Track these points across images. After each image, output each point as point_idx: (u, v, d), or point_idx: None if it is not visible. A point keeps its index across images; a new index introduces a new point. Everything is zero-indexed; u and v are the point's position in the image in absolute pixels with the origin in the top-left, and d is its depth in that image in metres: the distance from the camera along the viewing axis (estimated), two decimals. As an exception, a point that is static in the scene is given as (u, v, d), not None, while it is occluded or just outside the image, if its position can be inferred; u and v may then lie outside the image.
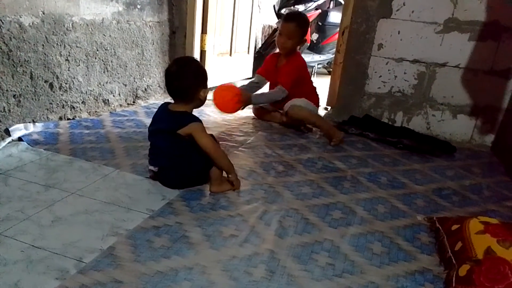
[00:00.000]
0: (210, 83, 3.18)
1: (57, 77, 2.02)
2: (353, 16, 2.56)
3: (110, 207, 1.34)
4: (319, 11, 4.25)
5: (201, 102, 1.55)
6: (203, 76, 1.54)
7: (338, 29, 2.82)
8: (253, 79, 2.71)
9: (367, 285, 1.09)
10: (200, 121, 1.50)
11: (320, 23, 4.28)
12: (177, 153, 1.50)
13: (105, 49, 2.32)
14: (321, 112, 2.92)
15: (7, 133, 1.77)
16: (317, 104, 2.56)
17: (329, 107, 2.93)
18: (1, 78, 1.73)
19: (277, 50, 3.98)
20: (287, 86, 2.40)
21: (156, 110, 1.59)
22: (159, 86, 2.91)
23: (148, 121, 2.21)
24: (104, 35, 2.28)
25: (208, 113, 2.62)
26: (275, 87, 2.47)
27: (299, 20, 2.41)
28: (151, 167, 1.55)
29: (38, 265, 1.02)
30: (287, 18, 2.42)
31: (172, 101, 1.55)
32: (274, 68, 2.53)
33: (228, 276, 1.06)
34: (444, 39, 2.43)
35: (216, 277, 1.05)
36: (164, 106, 1.57)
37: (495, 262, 1.06)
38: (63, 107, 2.10)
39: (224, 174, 1.56)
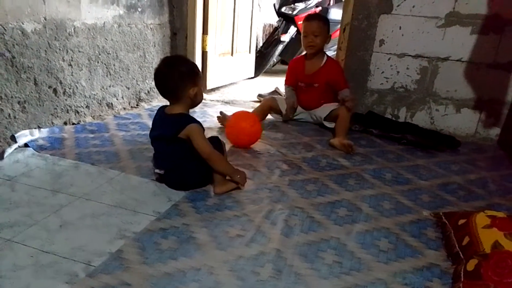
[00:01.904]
0: (213, 84, 3.22)
1: (61, 82, 2.04)
2: (354, 13, 2.56)
3: (116, 210, 1.35)
4: (320, 8, 4.24)
5: (192, 101, 1.52)
6: (191, 74, 1.49)
7: (339, 26, 2.81)
8: (289, 88, 2.65)
9: (375, 282, 1.09)
10: (198, 123, 1.49)
11: (321, 21, 4.26)
12: (180, 156, 1.50)
13: (107, 53, 2.33)
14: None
15: (13, 139, 1.78)
16: None
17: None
18: (6, 85, 1.74)
19: (280, 48, 4.01)
20: (348, 85, 2.49)
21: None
22: (161, 88, 2.91)
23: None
24: (106, 38, 2.29)
25: (211, 113, 2.63)
26: (311, 90, 2.51)
27: (321, 17, 2.49)
28: (157, 170, 1.56)
29: (47, 269, 1.03)
30: (309, 18, 2.46)
31: (168, 103, 1.56)
32: (302, 73, 2.52)
33: (236, 276, 1.07)
34: (446, 33, 2.42)
35: (223, 277, 1.06)
36: (161, 110, 1.56)
37: (503, 256, 1.05)
38: (67, 112, 2.11)
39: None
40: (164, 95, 1.53)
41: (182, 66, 1.49)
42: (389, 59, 2.56)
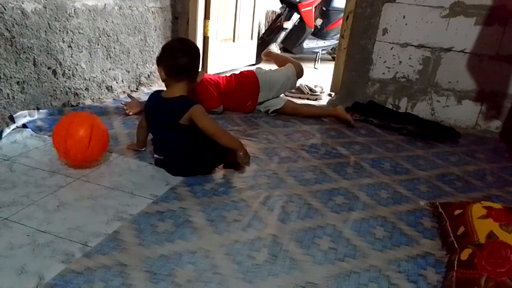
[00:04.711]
0: (214, 69, 3.20)
1: (60, 64, 2.02)
2: (358, 1, 2.53)
3: (114, 193, 1.35)
4: (324, -4, 4.19)
5: (192, 86, 1.55)
6: (199, 59, 1.57)
7: (342, 14, 2.78)
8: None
9: (369, 269, 1.10)
10: (199, 104, 1.49)
11: (324, 8, 4.22)
12: (183, 143, 1.49)
13: (108, 35, 2.31)
14: (325, 98, 2.91)
15: (12, 119, 1.78)
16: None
17: (333, 93, 2.92)
18: (5, 64, 1.73)
19: (282, 35, 3.98)
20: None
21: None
22: (162, 73, 2.90)
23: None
24: (106, 21, 2.27)
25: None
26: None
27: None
28: (156, 155, 1.55)
29: (44, 249, 1.04)
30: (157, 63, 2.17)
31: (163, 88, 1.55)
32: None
33: (231, 259, 1.08)
34: (449, 24, 2.40)
35: (219, 260, 1.07)
36: (157, 96, 1.53)
37: (497, 246, 1.06)
38: (66, 94, 2.10)
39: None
40: (180, 71, 1.47)
41: (195, 49, 1.55)
42: (391, 49, 2.54)
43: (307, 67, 4.35)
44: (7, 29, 1.71)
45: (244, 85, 2.41)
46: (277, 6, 4.46)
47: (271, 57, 2.75)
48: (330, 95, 2.95)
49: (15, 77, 1.79)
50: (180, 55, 1.47)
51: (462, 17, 2.36)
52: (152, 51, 2.73)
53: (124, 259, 1.03)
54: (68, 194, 1.31)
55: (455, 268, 1.08)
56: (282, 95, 2.57)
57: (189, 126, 1.47)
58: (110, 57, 2.37)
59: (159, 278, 0.98)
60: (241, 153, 1.53)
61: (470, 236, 1.15)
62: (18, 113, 1.80)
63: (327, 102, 2.81)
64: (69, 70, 2.08)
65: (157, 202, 1.32)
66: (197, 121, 1.46)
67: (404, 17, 2.46)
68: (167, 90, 1.52)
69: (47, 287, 0.91)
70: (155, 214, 1.25)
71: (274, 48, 2.77)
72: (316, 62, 4.34)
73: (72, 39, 2.06)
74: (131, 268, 1.00)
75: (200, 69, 1.57)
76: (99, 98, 2.33)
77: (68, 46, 2.05)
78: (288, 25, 3.96)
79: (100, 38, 2.25)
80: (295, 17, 3.97)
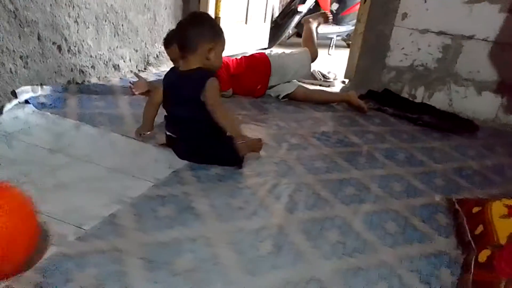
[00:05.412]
0: (224, 52, 3.10)
1: (66, 39, 1.96)
2: (377, -16, 2.42)
3: (115, 174, 1.30)
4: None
5: (208, 61, 1.41)
6: (212, 30, 1.43)
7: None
8: None
9: (379, 265, 1.04)
10: (217, 77, 1.41)
11: (340, -8, 4.10)
12: (201, 125, 1.41)
13: (116, 12, 2.23)
14: (338, 85, 2.82)
15: (14, 95, 1.73)
16: None
17: (346, 80, 2.82)
18: (8, 38, 1.67)
19: (296, 19, 3.87)
20: None
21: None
22: (171, 53, 2.82)
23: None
24: (115, -4, 2.20)
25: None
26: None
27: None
28: (169, 133, 1.48)
29: (37, 230, 0.99)
30: (165, 44, 2.01)
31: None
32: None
33: (234, 249, 1.02)
34: (472, 10, 2.28)
35: (220, 249, 1.01)
36: (174, 71, 1.47)
37: (519, 248, 0.98)
38: (71, 71, 2.04)
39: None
40: (180, 43, 1.42)
41: (206, 20, 1.46)
42: (410, 35, 2.43)
43: (320, 53, 4.25)
44: (11, 2, 1.65)
45: (254, 68, 2.32)
46: (292, -11, 4.33)
47: (307, 24, 2.59)
48: (343, 82, 2.85)
49: (18, 51, 1.73)
50: (188, 26, 1.41)
51: (487, 3, 2.24)
52: (162, 30, 2.65)
53: (120, 244, 0.97)
54: (67, 174, 1.25)
55: (472, 270, 1.01)
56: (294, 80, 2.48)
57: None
58: (118, 35, 2.30)
59: (156, 266, 0.93)
60: (237, 143, 1.40)
61: (489, 236, 1.07)
62: (21, 88, 1.74)
63: (340, 89, 2.72)
64: (74, 47, 2.02)
65: (158, 185, 1.26)
66: (206, 90, 1.36)
67: (425, 1, 2.34)
68: (183, 64, 1.43)
69: (35, 270, 0.86)
70: (156, 198, 1.19)
71: (315, 22, 2.63)
72: (330, 48, 4.22)
73: (78, 14, 1.99)
74: (127, 254, 0.95)
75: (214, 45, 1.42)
76: (105, 76, 2.27)
77: (74, 22, 1.98)
78: (303, 8, 3.84)
79: (107, 15, 2.18)
80: (310, 0, 3.85)
